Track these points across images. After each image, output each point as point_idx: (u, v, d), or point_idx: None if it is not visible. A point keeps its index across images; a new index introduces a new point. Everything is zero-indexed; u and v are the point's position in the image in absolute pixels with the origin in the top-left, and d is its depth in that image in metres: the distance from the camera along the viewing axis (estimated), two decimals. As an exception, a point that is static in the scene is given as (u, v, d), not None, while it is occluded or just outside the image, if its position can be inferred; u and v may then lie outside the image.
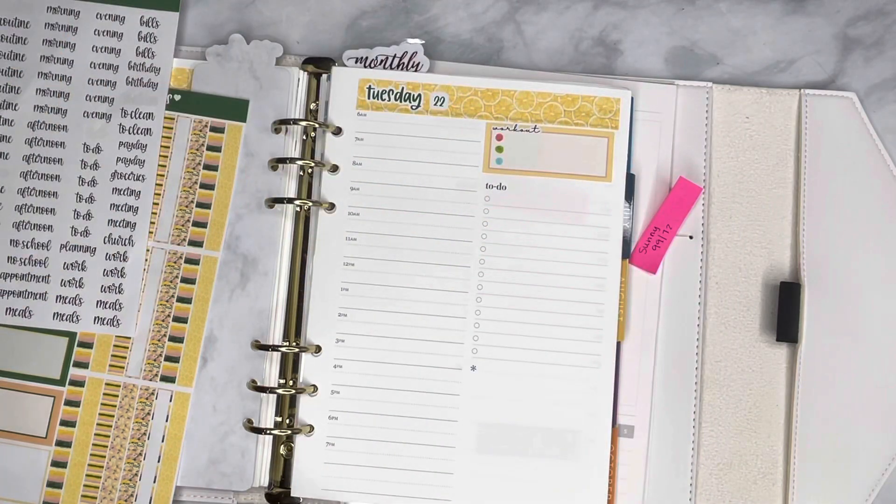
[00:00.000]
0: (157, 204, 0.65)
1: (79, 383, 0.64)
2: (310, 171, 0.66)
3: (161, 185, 0.66)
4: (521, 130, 0.65)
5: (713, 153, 0.66)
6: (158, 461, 0.63)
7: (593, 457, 0.63)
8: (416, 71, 0.66)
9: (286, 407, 0.64)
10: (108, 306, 0.64)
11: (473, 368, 0.63)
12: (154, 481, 0.63)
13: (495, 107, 0.65)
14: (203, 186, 0.65)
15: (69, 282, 0.64)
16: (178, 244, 0.65)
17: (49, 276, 0.64)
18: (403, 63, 0.66)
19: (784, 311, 0.64)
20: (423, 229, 0.64)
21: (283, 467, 0.64)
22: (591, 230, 0.64)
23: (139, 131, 0.66)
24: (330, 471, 0.63)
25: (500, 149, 0.65)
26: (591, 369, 0.63)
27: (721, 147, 0.66)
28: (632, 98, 0.65)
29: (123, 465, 0.63)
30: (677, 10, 0.68)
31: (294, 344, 0.64)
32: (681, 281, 0.65)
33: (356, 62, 0.66)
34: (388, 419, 0.63)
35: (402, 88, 0.66)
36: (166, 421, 0.64)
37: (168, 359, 0.64)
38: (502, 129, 0.65)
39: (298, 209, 0.65)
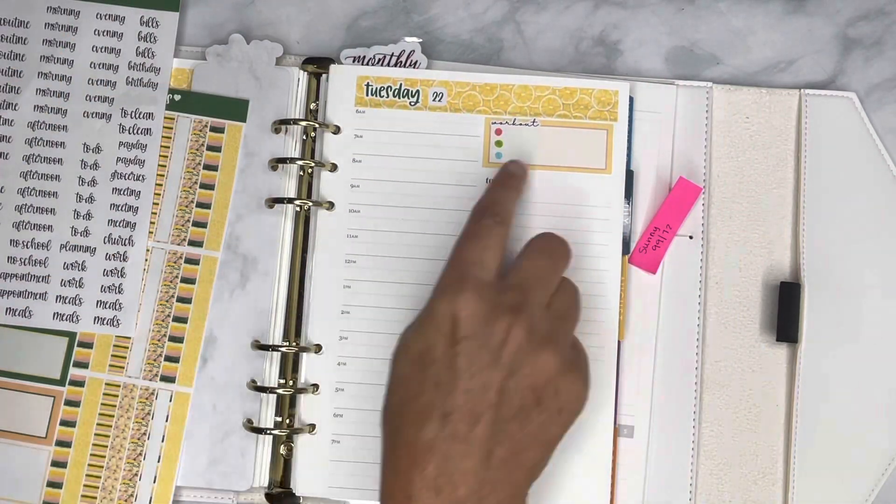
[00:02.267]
0: (157, 204, 0.65)
1: (79, 383, 0.64)
2: (310, 171, 0.66)
3: (161, 185, 0.66)
4: (520, 124, 0.65)
5: (713, 153, 0.66)
6: (158, 461, 0.63)
7: (597, 449, 0.63)
8: (413, 68, 0.66)
9: (286, 407, 0.64)
10: (108, 306, 0.64)
11: (477, 362, 0.64)
12: (154, 481, 0.63)
13: (494, 101, 0.65)
14: (203, 186, 0.65)
15: (69, 282, 0.65)
16: (178, 244, 0.65)
17: (49, 276, 0.64)
18: (401, 62, 0.66)
19: (784, 311, 0.64)
20: (424, 224, 0.64)
21: (283, 467, 0.64)
22: (591, 222, 0.64)
23: (139, 131, 0.66)
24: (335, 468, 0.63)
25: (499, 143, 0.65)
26: (594, 361, 0.63)
27: (721, 147, 0.66)
28: (630, 94, 0.65)
29: (123, 465, 0.63)
30: (677, 10, 0.68)
31: (294, 344, 0.64)
32: (681, 281, 0.65)
33: (354, 61, 0.66)
34: (392, 416, 0.63)
35: (401, 85, 0.66)
36: (166, 421, 0.64)
37: (168, 359, 0.64)
38: (501, 123, 0.65)
39: (298, 209, 0.65)
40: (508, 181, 0.62)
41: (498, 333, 0.53)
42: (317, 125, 0.65)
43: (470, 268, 0.55)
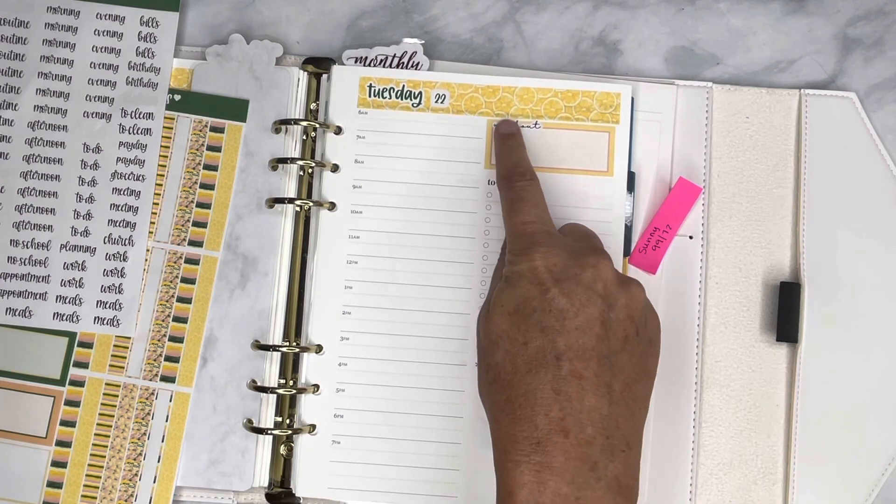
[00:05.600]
0: (157, 204, 0.65)
1: (79, 383, 0.64)
2: (310, 171, 0.66)
3: (161, 185, 0.66)
4: (523, 126, 0.65)
5: (713, 153, 0.66)
6: (158, 461, 0.63)
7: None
8: (416, 70, 0.66)
9: (286, 407, 0.64)
10: (108, 306, 0.64)
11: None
12: (154, 481, 0.63)
13: (496, 103, 0.65)
14: (203, 186, 0.65)
15: (69, 282, 0.64)
16: (178, 244, 0.65)
17: (49, 276, 0.64)
18: (403, 63, 0.66)
19: (784, 311, 0.64)
20: (426, 226, 0.64)
21: (283, 467, 0.64)
22: (592, 225, 0.63)
23: (139, 131, 0.66)
24: (335, 469, 0.63)
25: (501, 145, 0.65)
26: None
27: (721, 147, 0.66)
28: (632, 94, 0.66)
29: (123, 465, 0.63)
30: (677, 10, 0.68)
31: (294, 344, 0.64)
32: (681, 281, 0.65)
33: (356, 62, 0.66)
34: (393, 416, 0.63)
35: (403, 86, 0.66)
36: (166, 421, 0.64)
37: (168, 359, 0.64)
38: (504, 125, 0.65)
39: (298, 209, 0.65)
40: (511, 140, 0.64)
41: (588, 270, 0.54)
42: (317, 125, 0.65)
43: (531, 227, 0.57)
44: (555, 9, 0.68)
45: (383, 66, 0.66)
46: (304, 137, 0.66)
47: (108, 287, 0.65)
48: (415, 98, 0.65)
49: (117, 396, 0.64)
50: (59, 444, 0.63)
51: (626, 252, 0.64)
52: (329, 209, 0.65)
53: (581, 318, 0.52)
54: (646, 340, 0.55)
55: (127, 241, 0.65)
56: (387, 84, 0.66)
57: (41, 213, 0.65)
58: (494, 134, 0.65)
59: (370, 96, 0.66)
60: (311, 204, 0.65)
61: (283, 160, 0.65)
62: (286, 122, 0.65)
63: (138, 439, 0.63)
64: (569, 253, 0.55)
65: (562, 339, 0.52)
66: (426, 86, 0.66)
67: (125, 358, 0.64)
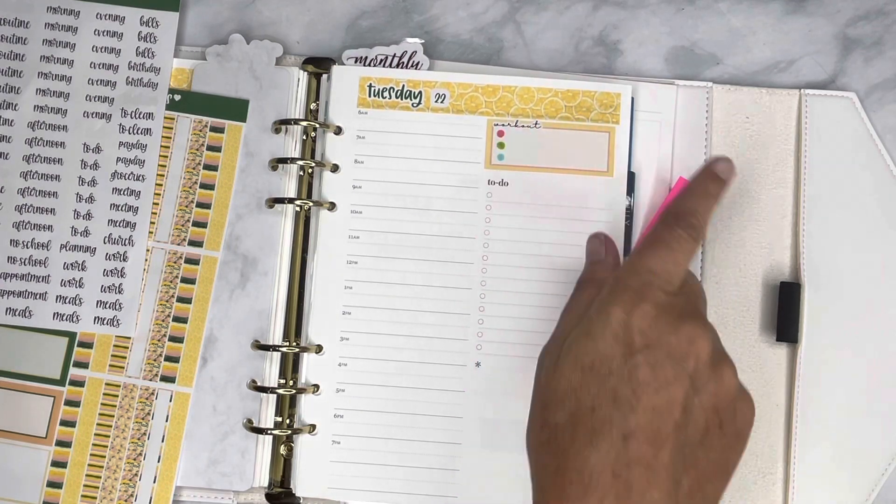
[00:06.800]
0: (157, 204, 0.65)
1: (79, 383, 0.64)
2: (310, 171, 0.66)
3: (161, 185, 0.66)
4: (523, 126, 0.65)
5: (713, 153, 0.66)
6: (158, 461, 0.63)
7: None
8: (416, 70, 0.66)
9: (286, 407, 0.64)
10: (108, 306, 0.64)
11: (478, 364, 0.63)
12: (154, 481, 0.63)
13: (496, 103, 0.65)
14: (203, 186, 0.65)
15: (69, 282, 0.64)
16: (178, 244, 0.65)
17: (49, 276, 0.64)
18: (403, 62, 0.66)
19: (784, 311, 0.64)
20: (425, 226, 0.64)
21: (283, 467, 0.64)
22: (592, 225, 0.64)
23: (139, 131, 0.66)
24: (335, 469, 0.63)
25: (501, 145, 0.65)
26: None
27: (721, 147, 0.66)
28: (632, 94, 0.65)
29: (123, 465, 0.63)
30: (677, 10, 0.68)
31: (294, 344, 0.64)
32: (681, 281, 0.65)
33: (356, 62, 0.66)
34: (393, 416, 0.63)
35: (403, 86, 0.66)
36: (166, 421, 0.64)
37: (168, 359, 0.64)
38: (503, 125, 0.65)
39: (298, 209, 0.65)
40: (712, 187, 0.57)
41: (682, 343, 0.47)
42: (317, 125, 0.65)
43: (654, 279, 0.50)
44: (555, 9, 0.68)
45: (383, 66, 0.66)
46: (304, 137, 0.66)
47: (108, 287, 0.65)
48: (415, 98, 0.65)
49: (117, 396, 0.64)
50: (59, 444, 0.63)
51: (626, 252, 0.64)
52: (329, 209, 0.65)
53: (661, 398, 0.46)
54: (731, 435, 0.48)
55: (127, 241, 0.65)
56: (387, 84, 0.66)
57: (41, 213, 0.65)
58: (706, 166, 0.58)
59: (370, 96, 0.66)
60: (310, 204, 0.65)
61: (283, 160, 0.65)
62: (286, 122, 0.65)
63: (138, 439, 0.63)
64: (672, 318, 0.48)
65: (634, 418, 0.45)
66: (426, 85, 0.66)
67: (125, 358, 0.64)
